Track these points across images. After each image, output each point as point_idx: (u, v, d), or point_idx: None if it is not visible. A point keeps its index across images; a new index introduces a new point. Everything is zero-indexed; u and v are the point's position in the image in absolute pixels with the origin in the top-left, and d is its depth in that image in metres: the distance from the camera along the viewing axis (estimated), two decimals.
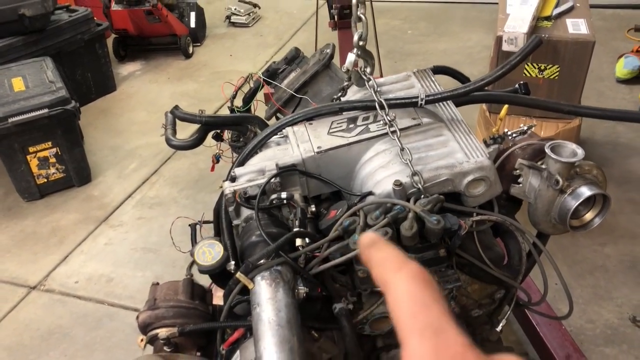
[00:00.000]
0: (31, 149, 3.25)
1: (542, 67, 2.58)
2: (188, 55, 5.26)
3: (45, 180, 3.37)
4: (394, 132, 1.29)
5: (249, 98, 1.68)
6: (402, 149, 1.26)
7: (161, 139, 1.32)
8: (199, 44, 5.46)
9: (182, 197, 3.24)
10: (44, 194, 3.41)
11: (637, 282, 2.29)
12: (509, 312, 1.48)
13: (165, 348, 1.18)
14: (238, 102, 1.77)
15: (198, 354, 1.23)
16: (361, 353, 1.27)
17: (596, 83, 3.91)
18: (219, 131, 1.71)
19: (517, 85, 1.66)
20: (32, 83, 3.36)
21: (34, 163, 3.29)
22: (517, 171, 1.39)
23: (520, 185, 1.39)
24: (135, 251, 2.82)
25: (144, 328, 1.24)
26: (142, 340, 1.29)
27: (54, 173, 3.36)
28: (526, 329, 1.90)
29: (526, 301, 1.51)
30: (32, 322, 2.42)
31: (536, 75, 2.62)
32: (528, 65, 2.59)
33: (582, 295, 2.25)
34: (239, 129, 1.58)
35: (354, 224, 1.16)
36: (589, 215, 1.41)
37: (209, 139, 1.75)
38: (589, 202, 1.36)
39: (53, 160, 3.32)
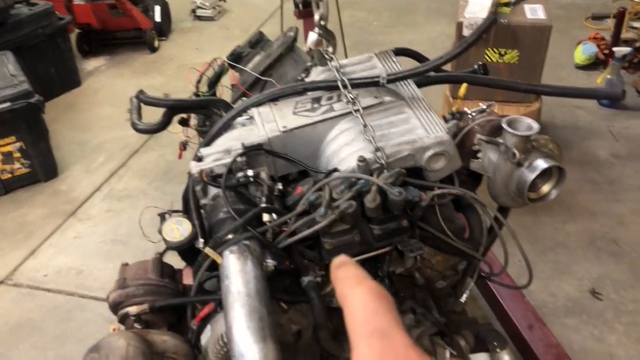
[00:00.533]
0: None
1: (503, 52, 2.65)
2: (154, 50, 5.21)
3: (10, 175, 3.31)
4: (357, 110, 1.32)
5: (213, 82, 1.69)
6: (365, 126, 1.30)
7: (129, 132, 1.33)
8: (164, 38, 5.42)
9: (151, 189, 3.23)
10: (9, 190, 3.35)
11: (595, 256, 2.39)
12: (472, 284, 1.53)
13: (136, 325, 1.19)
14: (204, 88, 1.78)
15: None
16: (330, 325, 1.30)
17: (556, 69, 4.02)
18: (185, 117, 1.73)
19: (475, 66, 1.71)
20: None
21: None
22: (476, 146, 1.44)
23: (480, 160, 1.44)
24: (105, 243, 2.81)
25: (115, 307, 1.25)
26: (114, 330, 1.30)
27: (18, 168, 3.31)
28: (491, 303, 1.97)
29: (488, 273, 1.56)
30: (0, 316, 2.39)
31: (497, 60, 2.69)
32: (489, 50, 2.66)
33: (544, 271, 2.33)
34: (205, 113, 1.60)
35: (320, 198, 1.19)
36: (546, 188, 1.45)
37: (176, 126, 1.76)
38: (545, 175, 1.40)
39: (17, 155, 3.27)
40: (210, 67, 1.77)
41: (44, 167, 3.38)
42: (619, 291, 2.20)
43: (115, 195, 3.22)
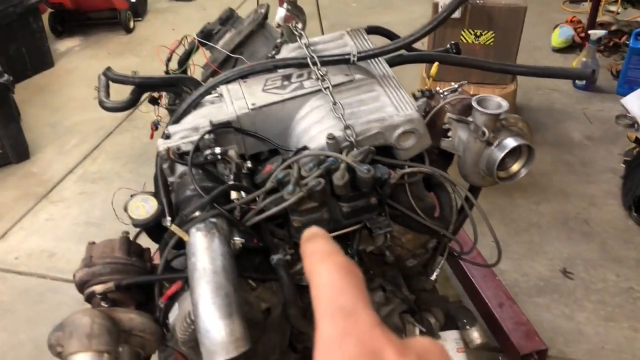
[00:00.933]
0: None
1: (478, 34, 2.65)
2: (129, 30, 5.12)
3: None
4: (326, 87, 1.31)
5: (183, 60, 1.67)
6: (334, 104, 1.29)
7: (103, 114, 1.30)
8: (140, 19, 5.33)
9: (125, 171, 3.19)
10: None
11: (568, 237, 2.42)
12: (442, 262, 1.54)
13: (102, 304, 1.18)
14: (175, 66, 1.75)
15: None
16: (299, 302, 1.30)
17: (533, 52, 4.04)
18: (155, 95, 1.71)
19: (448, 45, 1.71)
20: None
21: None
22: (446, 125, 1.44)
23: (450, 139, 1.44)
24: (78, 226, 2.77)
25: (81, 286, 1.23)
26: None
27: None
28: (463, 283, 1.99)
29: (458, 251, 1.57)
30: None
31: (472, 42, 2.69)
32: (464, 31, 2.66)
33: (518, 251, 2.36)
34: (174, 91, 1.57)
35: (288, 176, 1.18)
36: (515, 167, 1.45)
37: (149, 106, 1.74)
38: (515, 153, 1.41)
39: None
40: (181, 45, 1.74)
41: (15, 149, 3.31)
42: (589, 270, 2.24)
43: (89, 178, 3.17)
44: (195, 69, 1.76)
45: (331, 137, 1.24)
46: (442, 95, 1.57)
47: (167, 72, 1.71)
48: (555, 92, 3.56)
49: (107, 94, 1.57)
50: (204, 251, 1.08)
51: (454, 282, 2.15)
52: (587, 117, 3.28)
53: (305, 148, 1.29)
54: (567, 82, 3.65)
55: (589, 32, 3.61)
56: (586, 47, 3.55)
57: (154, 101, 1.71)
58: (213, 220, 1.13)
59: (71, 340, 1.01)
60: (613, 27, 3.95)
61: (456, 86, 1.60)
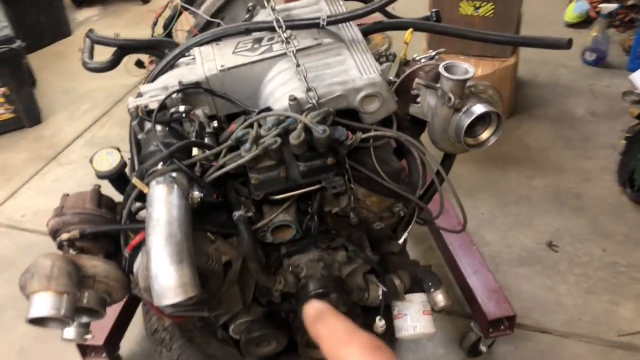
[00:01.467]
0: None
1: (477, 5, 2.63)
2: (146, 1, 5.18)
3: None
4: (291, 50, 1.34)
5: (167, 24, 1.71)
6: (297, 66, 1.32)
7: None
8: None
9: None
10: None
11: (558, 211, 2.42)
12: (410, 226, 1.57)
13: (70, 251, 1.25)
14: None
15: None
16: (259, 257, 1.35)
17: (545, 27, 3.98)
18: (141, 59, 1.76)
19: (430, 13, 1.71)
20: None
21: None
22: (415, 91, 1.46)
23: (419, 104, 1.46)
24: (83, 187, 2.81)
25: (53, 234, 1.31)
26: None
27: (3, 113, 3.36)
28: (443, 252, 2.02)
29: (428, 217, 1.60)
30: None
31: (471, 14, 2.67)
32: (463, 2, 2.64)
33: (505, 223, 2.37)
34: (155, 53, 1.62)
35: (247, 135, 1.23)
36: (484, 134, 1.45)
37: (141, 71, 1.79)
38: (485, 121, 1.42)
39: (1, 100, 3.31)
40: (167, 10, 1.78)
41: (28, 113, 3.43)
42: (575, 244, 2.24)
43: (96, 142, 3.27)
44: (183, 34, 1.80)
45: (292, 98, 1.28)
46: (418, 62, 1.59)
47: (152, 36, 1.76)
48: (563, 68, 3.51)
49: (91, 56, 1.63)
50: (160, 202, 1.13)
51: (438, 252, 2.18)
52: (593, 93, 3.23)
53: (268, 109, 1.33)
54: (576, 57, 3.59)
55: (600, 5, 3.53)
56: (597, 21, 3.48)
57: (140, 64, 1.76)
58: (173, 175, 1.18)
59: (32, 280, 1.08)
60: (629, 2, 3.85)
61: (433, 53, 1.61)
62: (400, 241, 1.57)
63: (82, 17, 5.05)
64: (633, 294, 2.01)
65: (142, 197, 1.22)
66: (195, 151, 1.24)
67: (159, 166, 1.19)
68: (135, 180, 1.19)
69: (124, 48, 1.58)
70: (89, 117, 3.53)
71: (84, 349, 1.73)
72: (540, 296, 2.03)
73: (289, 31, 1.36)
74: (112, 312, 1.76)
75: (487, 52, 2.81)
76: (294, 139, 1.19)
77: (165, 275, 1.06)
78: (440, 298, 1.54)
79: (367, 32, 1.66)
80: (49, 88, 3.87)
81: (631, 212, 2.38)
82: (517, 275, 2.12)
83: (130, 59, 1.75)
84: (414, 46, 1.55)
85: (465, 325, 1.81)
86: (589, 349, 1.84)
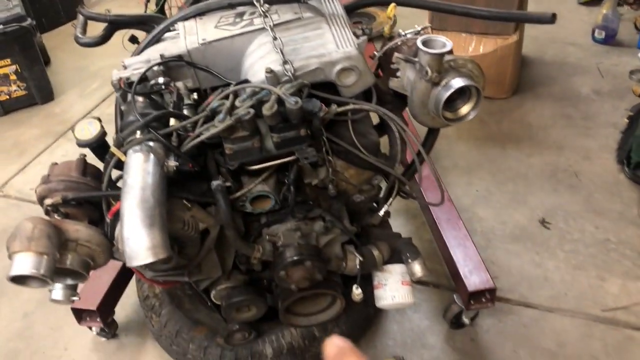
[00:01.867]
0: None
1: None
2: None
3: (8, 97, 3.46)
4: (268, 24, 1.37)
5: (159, 0, 1.75)
6: (274, 39, 1.35)
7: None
8: None
9: None
10: (7, 111, 3.51)
11: (553, 188, 2.42)
12: (391, 199, 1.60)
13: (55, 216, 1.32)
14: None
15: None
16: (236, 225, 1.40)
17: (557, 5, 3.92)
18: (135, 35, 1.80)
19: None
20: None
21: None
22: (395, 65, 1.48)
23: (399, 79, 1.48)
24: (89, 161, 2.95)
25: (41, 201, 1.37)
26: None
27: (15, 90, 3.45)
28: (431, 226, 2.05)
29: (408, 192, 1.63)
30: None
31: None
32: None
33: (500, 200, 2.38)
34: (144, 29, 1.66)
35: (222, 106, 1.27)
36: (464, 109, 1.45)
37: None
38: (464, 95, 1.43)
39: (14, 77, 3.40)
40: None
41: (40, 90, 3.51)
42: (568, 221, 2.24)
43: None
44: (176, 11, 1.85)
45: (269, 70, 1.31)
46: (404, 37, 1.61)
47: (145, 12, 1.81)
48: (571, 46, 3.47)
49: (84, 31, 1.68)
50: (136, 170, 1.18)
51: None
52: (600, 71, 3.19)
53: (246, 81, 1.37)
54: (585, 35, 3.54)
55: None
56: None
57: (134, 40, 1.81)
58: (150, 144, 1.23)
59: (15, 241, 1.15)
60: None
61: (419, 28, 1.62)
62: (381, 213, 1.60)
63: None
64: (621, 271, 2.02)
65: (122, 165, 1.28)
66: (173, 122, 1.29)
67: (137, 135, 1.24)
68: (113, 149, 1.24)
69: (114, 23, 1.62)
70: (98, 94, 3.61)
71: (79, 313, 1.80)
72: (528, 272, 2.05)
73: (266, 5, 1.38)
74: (107, 279, 1.83)
75: (489, 30, 2.80)
76: (266, 110, 1.23)
77: (136, 237, 1.11)
78: (417, 269, 1.57)
79: (352, 7, 1.69)
80: (62, 66, 3.96)
81: (627, 191, 2.37)
82: (508, 251, 2.13)
83: (126, 35, 1.80)
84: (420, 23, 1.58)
85: (450, 299, 1.84)
86: (571, 323, 1.86)
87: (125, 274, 1.91)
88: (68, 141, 3.18)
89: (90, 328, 1.92)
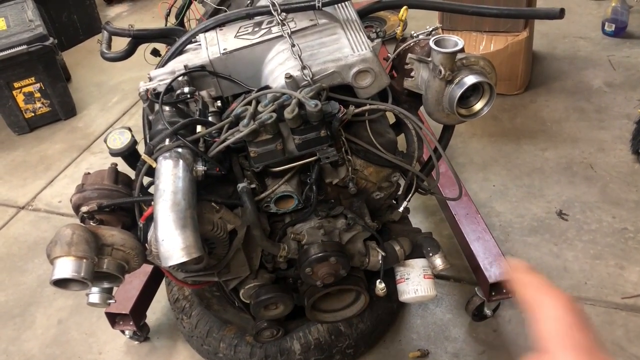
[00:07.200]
0: (16, 85, 3.43)
1: None
2: None
3: (33, 114, 3.57)
4: (286, 31, 1.44)
5: (178, 13, 1.83)
6: (293, 46, 1.42)
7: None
8: None
9: None
10: (33, 128, 3.62)
11: (569, 180, 2.45)
12: (411, 195, 1.65)
13: (91, 223, 1.39)
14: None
15: None
16: (262, 225, 1.46)
17: (566, 0, 3.93)
18: (156, 48, 1.88)
19: None
20: (13, 22, 3.51)
21: (20, 98, 3.48)
22: (409, 65, 1.53)
23: (413, 78, 1.54)
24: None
25: (76, 209, 1.44)
26: None
27: (40, 107, 3.56)
28: (450, 222, 2.09)
29: (427, 188, 1.68)
30: (20, 236, 2.67)
31: None
32: None
33: (516, 194, 2.42)
34: (167, 42, 1.74)
35: (245, 111, 1.33)
36: (478, 105, 1.50)
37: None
38: (478, 92, 1.48)
39: (38, 95, 3.51)
40: (179, 1, 1.90)
41: (63, 106, 3.62)
42: (586, 212, 2.27)
43: None
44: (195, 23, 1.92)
45: (288, 76, 1.37)
46: (415, 38, 1.66)
47: (165, 26, 1.88)
48: (581, 40, 3.49)
49: (109, 46, 1.76)
50: (167, 175, 1.25)
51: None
52: (611, 64, 3.21)
53: (267, 87, 1.43)
54: (595, 29, 3.56)
55: None
56: None
57: (156, 53, 1.89)
58: (179, 150, 1.29)
59: (55, 247, 1.22)
60: None
61: (430, 29, 1.67)
62: (400, 210, 1.65)
63: (112, 14, 5.25)
64: None
65: (153, 172, 1.35)
66: (199, 129, 1.35)
67: (166, 142, 1.31)
68: (144, 156, 1.31)
69: (137, 38, 1.69)
70: (119, 108, 3.71)
71: (112, 317, 1.88)
72: (547, 262, 2.08)
73: (284, 14, 1.45)
74: (138, 283, 1.90)
75: (499, 27, 2.84)
76: (288, 113, 1.29)
77: (170, 238, 1.18)
78: (439, 262, 1.61)
79: (365, 12, 1.75)
80: (83, 82, 4.07)
81: None
82: (526, 243, 2.17)
83: (148, 49, 1.88)
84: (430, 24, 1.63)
85: (472, 292, 1.88)
86: (593, 311, 1.89)
87: (155, 279, 1.97)
88: (92, 154, 3.27)
89: (123, 332, 1.99)
